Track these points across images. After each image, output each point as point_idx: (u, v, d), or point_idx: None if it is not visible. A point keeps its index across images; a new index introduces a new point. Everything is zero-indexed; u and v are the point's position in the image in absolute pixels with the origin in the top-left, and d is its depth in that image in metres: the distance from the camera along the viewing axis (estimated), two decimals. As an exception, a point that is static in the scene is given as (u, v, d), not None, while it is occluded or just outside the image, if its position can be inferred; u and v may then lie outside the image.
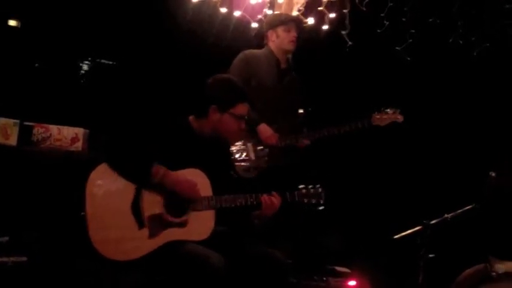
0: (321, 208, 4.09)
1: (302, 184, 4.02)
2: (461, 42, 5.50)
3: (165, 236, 3.50)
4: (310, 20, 5.31)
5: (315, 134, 4.91)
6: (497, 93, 5.88)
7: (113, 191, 3.44)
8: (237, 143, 4.74)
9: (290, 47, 5.00)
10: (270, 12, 5.32)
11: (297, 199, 3.95)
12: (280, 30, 4.97)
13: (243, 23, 5.20)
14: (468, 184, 4.74)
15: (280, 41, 4.98)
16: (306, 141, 4.90)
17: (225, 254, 3.53)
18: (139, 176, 3.46)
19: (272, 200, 3.77)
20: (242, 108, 3.77)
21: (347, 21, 5.28)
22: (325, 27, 5.31)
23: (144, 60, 5.36)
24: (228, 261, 3.50)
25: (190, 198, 3.55)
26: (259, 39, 5.16)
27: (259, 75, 4.93)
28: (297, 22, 5.05)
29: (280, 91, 4.98)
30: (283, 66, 5.05)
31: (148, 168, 3.45)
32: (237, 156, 4.74)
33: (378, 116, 4.93)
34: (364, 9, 5.26)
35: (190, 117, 3.80)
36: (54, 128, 4.40)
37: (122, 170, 3.45)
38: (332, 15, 5.27)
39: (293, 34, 4.98)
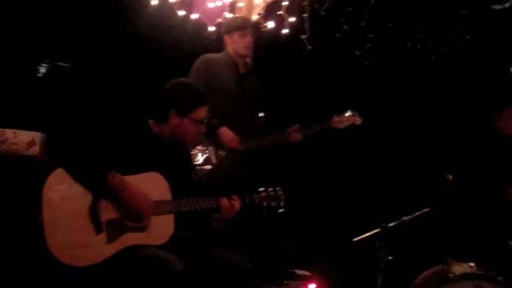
0: (281, 211, 4.11)
1: (263, 187, 4.03)
2: (419, 46, 5.57)
3: (124, 240, 3.46)
4: (270, 24, 5.31)
5: (277, 137, 4.93)
6: (455, 97, 5.97)
7: (70, 196, 3.39)
8: (198, 147, 4.72)
9: (245, 52, 5.00)
10: (230, 15, 5.32)
11: (256, 202, 3.94)
12: (235, 35, 4.97)
13: (202, 27, 5.18)
14: (425, 187, 4.80)
15: (235, 45, 4.98)
16: (298, 136, 4.89)
17: (184, 258, 3.50)
18: (94, 184, 3.42)
19: (232, 204, 3.76)
20: (202, 112, 3.75)
21: (306, 26, 5.30)
22: (285, 31, 5.31)
23: (103, 64, 5.31)
24: (187, 265, 3.47)
25: (143, 213, 3.51)
26: (219, 43, 5.15)
27: (218, 79, 4.92)
28: (253, 27, 5.04)
29: (239, 95, 4.98)
30: (242, 70, 5.05)
31: (104, 176, 3.40)
32: (197, 160, 4.72)
33: (337, 119, 4.98)
34: (324, 13, 5.29)
35: (150, 121, 3.78)
36: (9, 132, 4.33)
37: (77, 176, 3.41)
38: (292, 19, 5.28)
39: (248, 39, 4.97)
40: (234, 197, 3.79)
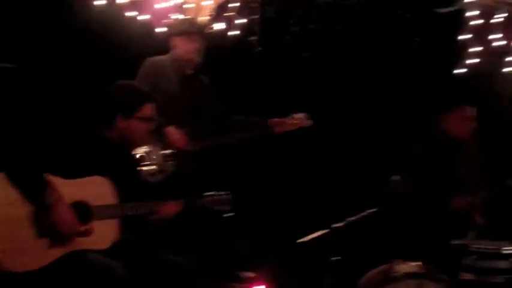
0: (229, 215, 4.12)
1: (210, 189, 4.05)
2: (366, 49, 5.65)
3: (66, 245, 3.43)
4: (220, 26, 5.32)
5: (225, 140, 4.94)
6: (403, 98, 6.06)
7: (11, 200, 3.35)
8: (142, 148, 4.69)
9: (190, 56, 4.97)
10: (179, 16, 5.31)
11: (205, 205, 3.97)
12: (182, 38, 4.94)
13: (150, 28, 5.17)
14: (371, 188, 4.86)
15: (181, 49, 4.96)
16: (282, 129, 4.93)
17: (129, 262, 3.50)
18: (32, 197, 3.37)
19: (172, 207, 3.79)
20: (148, 109, 3.75)
21: (256, 28, 5.33)
22: (234, 32, 5.33)
23: (48, 66, 5.24)
24: (132, 270, 3.47)
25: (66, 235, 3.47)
26: (167, 44, 5.13)
27: (164, 80, 4.91)
28: (199, 32, 5.02)
29: (186, 96, 4.97)
30: (188, 71, 5.04)
31: (42, 190, 3.35)
32: (142, 160, 4.69)
33: (285, 121, 5.01)
34: (273, 15, 5.32)
35: (96, 125, 3.76)
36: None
37: (16, 185, 3.36)
38: (241, 21, 5.30)
39: (193, 45, 4.95)
40: (176, 201, 3.82)
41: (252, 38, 5.35)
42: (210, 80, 5.16)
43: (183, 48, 4.93)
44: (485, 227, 4.83)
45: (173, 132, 4.82)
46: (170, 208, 3.81)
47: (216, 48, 5.19)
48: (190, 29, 4.96)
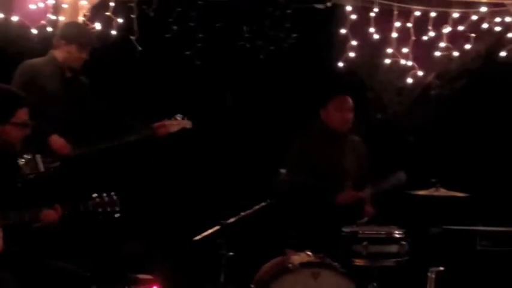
0: (117, 216, 4.04)
1: (96, 192, 3.96)
2: (248, 46, 5.67)
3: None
4: (98, 26, 5.19)
5: (109, 143, 4.83)
6: (285, 94, 6.14)
7: None
8: (25, 156, 4.51)
9: (78, 64, 4.88)
10: (53, 17, 5.13)
11: (91, 209, 3.92)
12: (74, 47, 4.82)
13: (23, 29, 4.95)
14: (261, 182, 4.89)
15: (69, 56, 4.83)
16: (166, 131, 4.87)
17: (20, 272, 3.43)
18: None
19: (52, 214, 3.74)
20: (22, 114, 3.70)
21: (135, 27, 5.24)
22: (113, 32, 5.22)
23: None
24: (23, 280, 3.39)
25: None
26: (43, 45, 4.94)
27: (42, 83, 4.75)
28: (92, 45, 4.92)
29: (66, 100, 4.83)
30: (68, 73, 4.89)
31: None
32: (25, 169, 4.51)
33: (168, 123, 4.98)
34: (152, 14, 5.25)
35: None
36: None
37: None
38: (120, 20, 5.19)
39: (84, 55, 4.86)
40: (56, 206, 3.78)
41: (132, 37, 5.24)
42: (90, 82, 5.03)
43: (75, 56, 4.83)
44: (375, 216, 4.97)
45: (56, 140, 4.68)
46: (51, 214, 3.75)
47: (95, 50, 5.05)
48: (88, 41, 4.86)
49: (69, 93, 4.88)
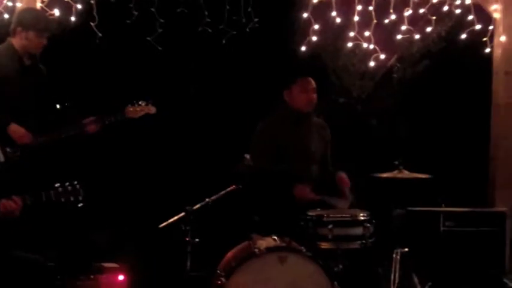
0: (80, 205, 4.01)
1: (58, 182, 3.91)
2: (210, 30, 5.63)
3: None
4: (56, 12, 5.10)
5: (72, 129, 4.76)
6: (248, 77, 6.13)
7: None
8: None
9: (37, 51, 4.80)
10: (10, 4, 5.03)
11: (53, 198, 3.89)
12: (31, 34, 4.72)
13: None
14: (225, 168, 4.87)
15: (28, 43, 4.73)
16: (93, 127, 4.77)
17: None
18: None
19: (10, 205, 3.71)
20: None
21: (95, 13, 5.17)
22: (73, 18, 5.14)
23: None
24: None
25: None
26: (0, 33, 4.84)
27: (0, 71, 4.65)
28: (51, 30, 4.82)
29: (25, 88, 4.75)
30: (27, 61, 4.80)
31: None
32: None
33: (131, 109, 4.95)
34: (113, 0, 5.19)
35: None
36: None
37: None
38: (79, 6, 5.12)
39: (43, 41, 4.76)
40: (14, 198, 3.75)
41: (92, 23, 5.17)
42: (48, 70, 4.95)
43: (33, 42, 4.73)
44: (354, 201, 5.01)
45: (16, 130, 4.61)
46: (9, 205, 3.73)
47: (54, 36, 4.97)
48: (47, 27, 4.75)
49: (28, 82, 4.80)
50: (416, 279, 5.54)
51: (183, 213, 4.45)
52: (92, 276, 4.65)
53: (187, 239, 4.39)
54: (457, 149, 6.48)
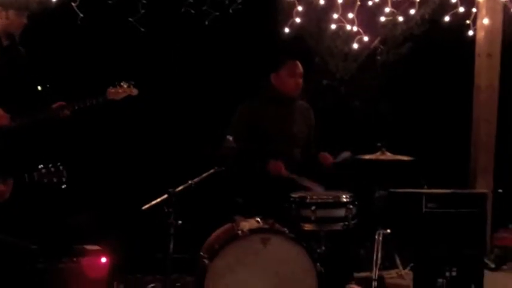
0: (63, 187, 3.99)
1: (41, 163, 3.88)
2: (193, 12, 5.59)
3: None
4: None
5: (41, 115, 4.72)
6: (232, 60, 6.10)
7: None
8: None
9: (17, 30, 4.76)
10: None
11: (36, 179, 3.86)
12: (12, 12, 4.68)
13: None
14: (207, 149, 4.86)
15: (9, 23, 4.68)
16: (67, 112, 4.73)
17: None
18: None
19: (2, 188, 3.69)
20: None
21: (75, -7, 5.12)
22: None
23: None
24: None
25: None
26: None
27: None
28: (31, 9, 4.77)
29: (2, 68, 4.69)
30: (5, 42, 4.76)
31: None
32: None
33: (113, 90, 4.91)
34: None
35: None
36: None
37: None
38: (60, -13, 5.07)
39: (24, 20, 4.73)
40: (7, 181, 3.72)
41: (73, 4, 5.11)
42: (28, 51, 4.90)
43: (13, 22, 4.69)
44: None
45: None
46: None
47: (35, 16, 4.91)
48: (27, 6, 4.71)
49: (5, 63, 4.75)
50: (398, 260, 5.60)
51: (166, 196, 4.43)
52: (74, 259, 4.63)
53: (170, 221, 4.38)
54: (440, 131, 6.52)
